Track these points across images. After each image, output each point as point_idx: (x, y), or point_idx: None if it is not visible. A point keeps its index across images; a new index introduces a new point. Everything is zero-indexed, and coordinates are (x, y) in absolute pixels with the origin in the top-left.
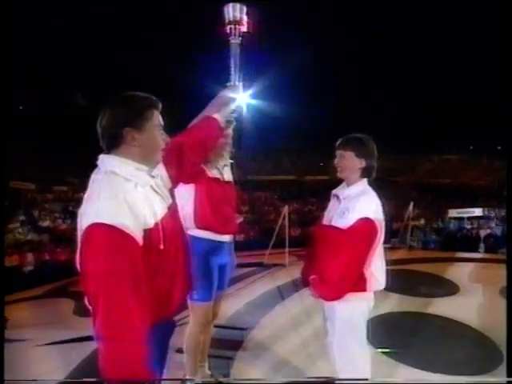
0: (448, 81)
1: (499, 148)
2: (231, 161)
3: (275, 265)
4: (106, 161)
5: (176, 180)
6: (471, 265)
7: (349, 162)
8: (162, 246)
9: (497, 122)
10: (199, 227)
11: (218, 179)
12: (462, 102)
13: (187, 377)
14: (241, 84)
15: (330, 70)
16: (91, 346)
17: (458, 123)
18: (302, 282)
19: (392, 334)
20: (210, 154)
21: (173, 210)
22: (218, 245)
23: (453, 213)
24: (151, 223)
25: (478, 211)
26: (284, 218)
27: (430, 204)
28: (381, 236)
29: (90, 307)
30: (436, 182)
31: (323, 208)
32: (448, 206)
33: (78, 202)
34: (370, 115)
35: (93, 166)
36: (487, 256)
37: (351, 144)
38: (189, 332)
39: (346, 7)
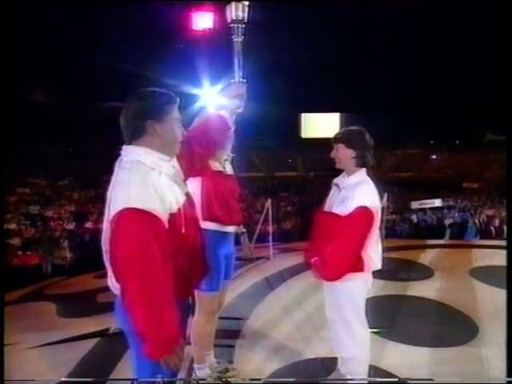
0: (411, 79)
1: (457, 142)
2: (232, 154)
3: (259, 258)
4: (131, 150)
5: (187, 173)
6: (441, 250)
7: (340, 153)
8: (183, 230)
9: (456, 118)
10: (206, 219)
11: (221, 172)
12: (423, 98)
13: (195, 365)
14: (244, 80)
15: (299, 68)
16: (86, 346)
17: (419, 119)
18: (305, 264)
19: (379, 316)
20: (218, 150)
21: (190, 198)
22: (224, 235)
23: (415, 204)
24: (175, 208)
25: (437, 202)
26: (267, 212)
27: (397, 196)
28: (377, 222)
29: (116, 286)
30: (400, 176)
31: (294, 203)
32: (412, 198)
33: (45, 204)
34: (336, 113)
35: (57, 166)
36: (454, 242)
37: (341, 137)
38: (195, 322)
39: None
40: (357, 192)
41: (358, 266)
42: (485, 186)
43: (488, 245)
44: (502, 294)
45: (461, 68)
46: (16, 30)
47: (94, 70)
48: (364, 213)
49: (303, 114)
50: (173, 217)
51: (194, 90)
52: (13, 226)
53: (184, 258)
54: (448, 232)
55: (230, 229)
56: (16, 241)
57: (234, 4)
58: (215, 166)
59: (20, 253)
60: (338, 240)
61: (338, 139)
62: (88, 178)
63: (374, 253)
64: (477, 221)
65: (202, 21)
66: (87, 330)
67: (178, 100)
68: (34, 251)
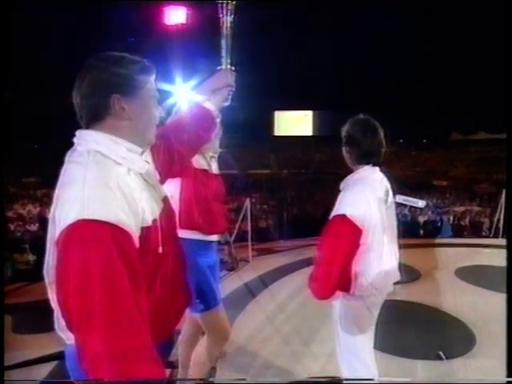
0: (382, 80)
1: (425, 141)
2: (220, 150)
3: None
4: (87, 137)
5: (164, 174)
6: (423, 250)
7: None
8: (160, 249)
9: (423, 118)
10: (184, 227)
11: (205, 171)
12: (393, 98)
13: None
14: (233, 68)
15: (270, 64)
16: (43, 371)
17: (389, 118)
18: None
19: None
20: (203, 147)
21: (168, 205)
22: (207, 245)
23: (399, 198)
24: (149, 220)
25: (421, 203)
26: (246, 211)
27: None
28: (367, 234)
29: (69, 328)
30: None
31: (268, 201)
32: None
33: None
34: (309, 111)
35: (22, 163)
36: (434, 241)
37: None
38: (208, 350)
39: None
40: (342, 196)
41: (344, 285)
42: (452, 184)
43: (467, 243)
44: (493, 296)
45: (431, 70)
46: None
47: (61, 64)
48: (340, 223)
49: (276, 112)
50: (146, 232)
51: (167, 86)
52: None
53: (163, 287)
54: (422, 230)
55: (213, 237)
56: None
57: None
58: (199, 163)
59: None
60: (320, 251)
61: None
62: (55, 176)
63: (368, 273)
64: (451, 217)
65: (175, 15)
66: (44, 350)
67: (154, 72)
68: None
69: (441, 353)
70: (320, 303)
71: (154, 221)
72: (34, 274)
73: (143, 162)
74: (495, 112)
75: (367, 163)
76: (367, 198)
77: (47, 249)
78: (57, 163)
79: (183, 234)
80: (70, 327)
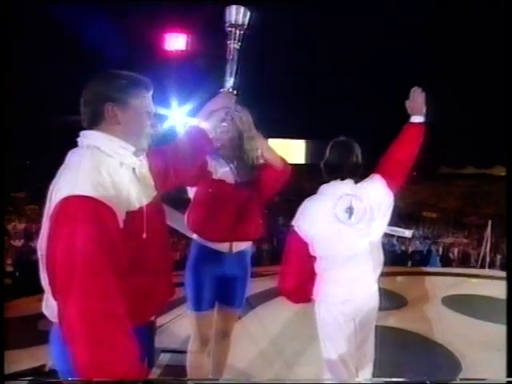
0: (373, 109)
1: (414, 174)
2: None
3: None
4: (88, 135)
5: (159, 184)
6: (411, 278)
7: None
8: (144, 235)
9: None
10: (190, 230)
11: (223, 181)
12: (388, 131)
13: None
14: (235, 91)
15: (265, 91)
16: None
17: (379, 149)
18: None
19: None
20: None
21: (158, 202)
22: (213, 253)
23: (387, 229)
24: (135, 205)
25: (408, 232)
26: None
27: None
28: (313, 246)
29: (53, 307)
30: None
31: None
32: None
33: None
34: (302, 140)
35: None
36: (421, 269)
37: None
38: (189, 351)
39: None
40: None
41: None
42: (442, 216)
43: (454, 273)
44: (479, 324)
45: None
46: None
47: (59, 84)
48: (290, 233)
49: (269, 140)
50: (131, 216)
51: (166, 111)
52: None
53: (144, 274)
54: (410, 261)
55: (222, 247)
56: None
57: (234, 7)
58: (218, 174)
59: None
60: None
61: None
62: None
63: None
64: (440, 248)
65: (175, 42)
66: (19, 366)
67: (152, 89)
68: None
69: (426, 379)
70: (306, 325)
71: (141, 208)
72: (16, 290)
73: (135, 158)
74: (483, 147)
75: (330, 179)
76: (314, 211)
77: (43, 223)
78: (48, 179)
79: (193, 236)
80: (54, 293)
